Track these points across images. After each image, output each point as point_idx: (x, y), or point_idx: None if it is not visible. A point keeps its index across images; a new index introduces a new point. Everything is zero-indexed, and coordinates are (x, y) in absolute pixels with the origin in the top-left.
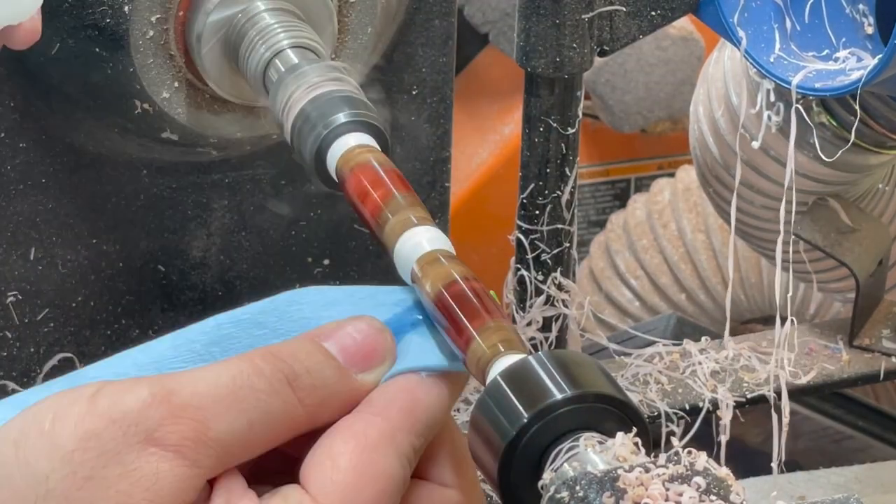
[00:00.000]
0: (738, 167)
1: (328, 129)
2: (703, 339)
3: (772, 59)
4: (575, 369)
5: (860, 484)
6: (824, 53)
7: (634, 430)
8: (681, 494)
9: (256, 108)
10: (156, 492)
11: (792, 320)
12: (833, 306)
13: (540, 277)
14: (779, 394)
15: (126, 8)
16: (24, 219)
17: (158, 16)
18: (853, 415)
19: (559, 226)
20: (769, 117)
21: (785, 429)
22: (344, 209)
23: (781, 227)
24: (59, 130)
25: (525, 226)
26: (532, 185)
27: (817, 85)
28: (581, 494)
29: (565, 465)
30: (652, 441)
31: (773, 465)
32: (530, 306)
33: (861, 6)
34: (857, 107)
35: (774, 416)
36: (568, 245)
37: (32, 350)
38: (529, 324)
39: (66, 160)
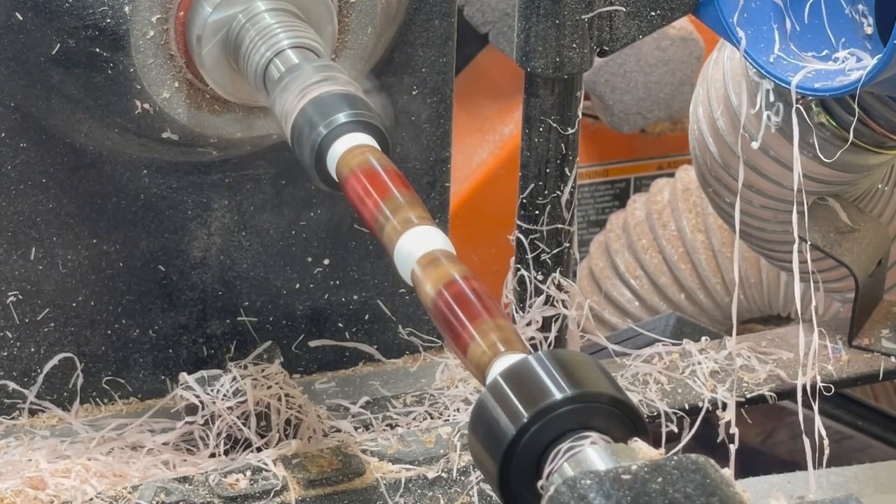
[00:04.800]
0: (740, 168)
1: (328, 129)
2: (703, 339)
3: (771, 60)
4: (575, 369)
5: (859, 484)
6: (824, 54)
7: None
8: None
9: (256, 108)
10: None
11: (817, 329)
12: (833, 306)
13: (540, 277)
14: (779, 394)
15: (126, 8)
16: (24, 219)
17: (159, 16)
18: (853, 415)
19: (559, 226)
20: (769, 117)
21: (819, 428)
22: (344, 209)
23: (795, 234)
24: (59, 130)
25: (525, 226)
26: (532, 185)
27: (817, 85)
28: (581, 493)
29: (565, 464)
30: (652, 440)
31: (810, 469)
32: (530, 306)
33: (860, 6)
34: (856, 107)
35: (802, 419)
36: (568, 245)
37: (33, 350)
38: (529, 324)
39: (66, 160)
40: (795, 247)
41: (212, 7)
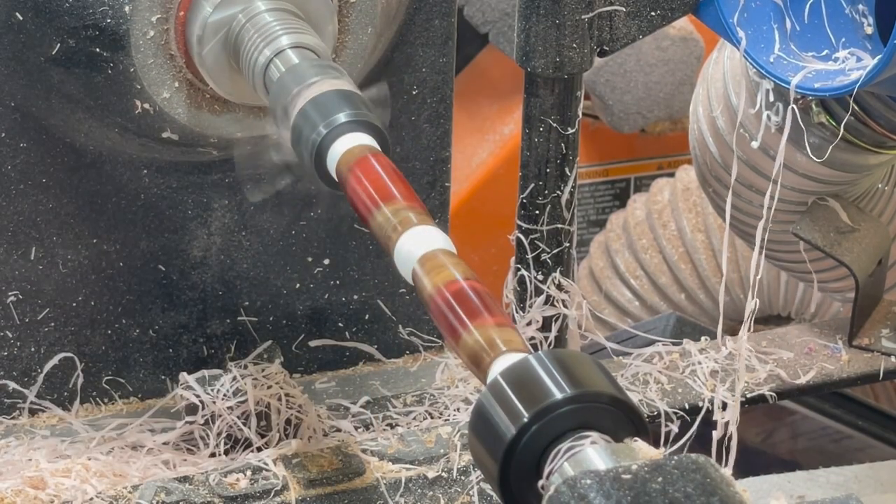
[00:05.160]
0: (734, 166)
1: (328, 129)
2: (703, 338)
3: (771, 60)
4: (575, 369)
5: (859, 483)
6: (824, 54)
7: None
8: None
9: (256, 108)
10: None
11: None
12: (833, 306)
13: (540, 277)
14: (779, 394)
15: (126, 8)
16: (24, 219)
17: (159, 16)
18: (852, 414)
19: (559, 226)
20: (768, 117)
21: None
22: (344, 209)
23: (765, 212)
24: (59, 130)
25: (525, 226)
26: (532, 185)
27: (816, 85)
28: (581, 493)
29: (566, 464)
30: (652, 440)
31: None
32: (530, 306)
33: (860, 6)
34: (853, 105)
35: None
36: (568, 245)
37: (33, 350)
38: (529, 323)
39: (66, 160)
40: (760, 225)
41: (212, 7)
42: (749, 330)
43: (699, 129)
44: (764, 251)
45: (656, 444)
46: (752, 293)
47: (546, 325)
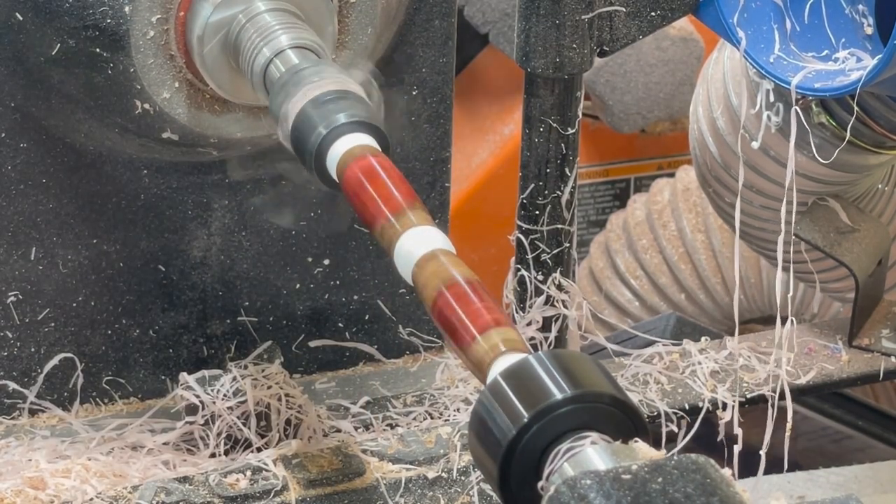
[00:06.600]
0: (741, 169)
1: (329, 130)
2: (703, 339)
3: (771, 60)
4: (575, 369)
5: (859, 484)
6: (824, 54)
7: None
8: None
9: (256, 108)
10: None
11: (792, 320)
12: (833, 306)
13: (540, 277)
14: (780, 395)
15: (126, 8)
16: (24, 219)
17: (159, 16)
18: (852, 415)
19: (559, 226)
20: (769, 118)
21: (788, 432)
22: (344, 209)
23: (782, 227)
24: (60, 130)
25: (525, 226)
26: (532, 185)
27: (817, 85)
28: (581, 493)
29: (565, 464)
30: (652, 440)
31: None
32: (530, 306)
33: (860, 6)
34: (855, 107)
35: (771, 417)
36: (568, 245)
37: (33, 350)
38: (529, 324)
39: (66, 160)
40: (780, 239)
41: (212, 7)
42: (791, 350)
43: (699, 129)
44: (762, 251)
45: (656, 445)
46: (779, 311)
47: (546, 326)
